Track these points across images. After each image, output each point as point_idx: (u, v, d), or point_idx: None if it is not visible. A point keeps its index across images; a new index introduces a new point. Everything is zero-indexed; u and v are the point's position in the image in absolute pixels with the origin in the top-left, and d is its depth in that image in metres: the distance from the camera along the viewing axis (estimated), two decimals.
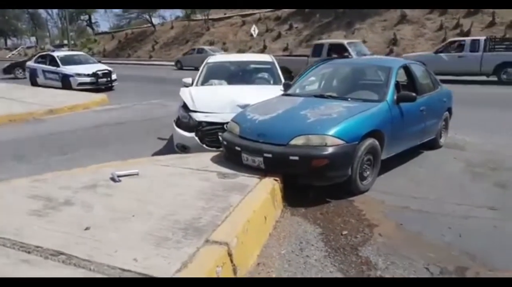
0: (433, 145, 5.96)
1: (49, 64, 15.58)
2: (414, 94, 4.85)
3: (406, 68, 5.52)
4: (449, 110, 6.37)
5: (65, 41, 49.99)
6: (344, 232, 3.42)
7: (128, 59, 36.88)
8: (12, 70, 21.80)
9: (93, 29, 60.36)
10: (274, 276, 2.76)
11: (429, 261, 2.96)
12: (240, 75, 6.94)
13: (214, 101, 5.56)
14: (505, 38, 17.15)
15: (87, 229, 2.83)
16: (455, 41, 15.80)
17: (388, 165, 4.86)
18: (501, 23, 21.20)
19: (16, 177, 4.31)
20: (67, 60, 15.53)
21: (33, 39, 63.32)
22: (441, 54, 15.22)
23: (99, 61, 17.26)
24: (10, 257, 2.46)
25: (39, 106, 10.02)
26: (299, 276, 2.77)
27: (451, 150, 6.01)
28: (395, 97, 4.76)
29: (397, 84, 5.09)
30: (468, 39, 15.47)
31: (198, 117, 5.30)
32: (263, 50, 27.97)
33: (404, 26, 24.75)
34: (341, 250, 3.14)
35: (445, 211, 3.87)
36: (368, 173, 4.35)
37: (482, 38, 14.77)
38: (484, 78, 14.47)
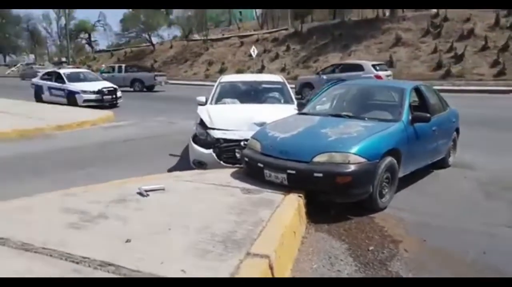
0: (442, 164, 6.10)
1: (55, 81, 15.77)
2: (428, 115, 5.02)
3: (418, 90, 5.71)
4: (457, 130, 6.54)
5: (63, 59, 50.51)
6: (371, 248, 3.51)
7: None
8: None
9: (92, 47, 60.98)
10: None
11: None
12: (252, 94, 7.09)
13: (231, 119, 5.70)
14: (133, 65, 28.74)
15: (128, 241, 2.90)
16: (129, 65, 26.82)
17: (402, 183, 4.97)
18: (494, 46, 21.75)
19: (40, 191, 4.35)
20: (73, 77, 15.77)
21: (31, 56, 63.62)
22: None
23: (104, 79, 17.45)
24: (59, 267, 2.52)
25: (47, 122, 10.10)
26: None
27: (460, 169, 6.15)
28: (410, 117, 4.93)
29: (409, 105, 5.27)
30: (117, 65, 26.52)
31: (216, 134, 5.42)
32: (261, 70, 28.30)
33: (400, 48, 25.18)
34: (370, 264, 3.22)
35: (465, 227, 3.98)
36: (386, 190, 4.46)
37: (123, 65, 26.15)
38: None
